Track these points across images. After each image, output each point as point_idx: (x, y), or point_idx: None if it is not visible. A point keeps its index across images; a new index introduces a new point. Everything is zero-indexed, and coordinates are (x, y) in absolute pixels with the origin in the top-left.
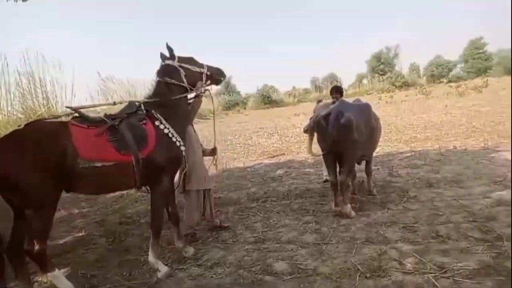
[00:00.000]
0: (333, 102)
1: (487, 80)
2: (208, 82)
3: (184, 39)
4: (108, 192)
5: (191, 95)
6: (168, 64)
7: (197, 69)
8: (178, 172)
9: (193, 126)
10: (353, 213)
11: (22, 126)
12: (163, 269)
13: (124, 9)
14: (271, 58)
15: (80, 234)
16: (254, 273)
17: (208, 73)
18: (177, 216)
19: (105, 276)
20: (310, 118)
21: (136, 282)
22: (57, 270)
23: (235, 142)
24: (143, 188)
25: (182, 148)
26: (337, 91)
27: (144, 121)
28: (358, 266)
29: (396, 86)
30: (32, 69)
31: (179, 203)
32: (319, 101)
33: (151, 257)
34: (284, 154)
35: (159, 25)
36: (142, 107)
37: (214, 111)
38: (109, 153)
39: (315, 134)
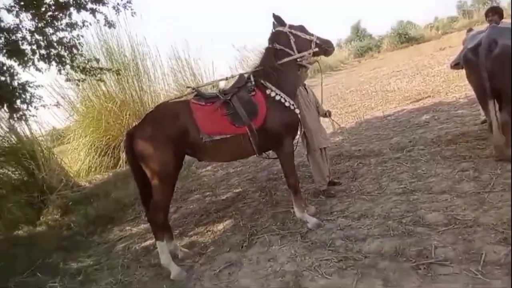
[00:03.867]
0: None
1: None
2: (317, 50)
3: None
4: (231, 160)
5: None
6: (279, 31)
7: (307, 37)
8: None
9: (305, 86)
10: None
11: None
12: (311, 220)
13: None
14: None
15: (237, 191)
16: (405, 224)
17: (318, 41)
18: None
19: (262, 226)
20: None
21: (289, 231)
22: (165, 242)
23: (371, 91)
24: (264, 154)
25: (297, 111)
26: (494, 12)
27: (253, 93)
28: None
29: None
30: (179, 52)
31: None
32: (469, 30)
33: (297, 213)
34: (429, 96)
35: None
36: (252, 78)
37: (322, 77)
38: (225, 126)
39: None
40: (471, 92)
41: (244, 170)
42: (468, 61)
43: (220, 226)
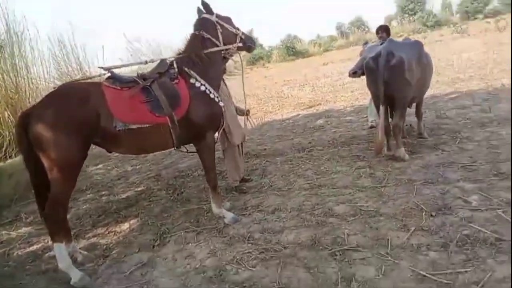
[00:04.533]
0: (381, 43)
1: None
2: (241, 45)
3: None
4: (146, 152)
5: (223, 49)
6: (206, 18)
7: (233, 30)
8: None
9: (224, 81)
10: (407, 156)
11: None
12: (228, 215)
13: None
14: (292, 6)
15: (139, 189)
16: (317, 215)
17: (243, 37)
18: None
19: (173, 224)
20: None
21: (205, 227)
22: (64, 243)
23: (266, 96)
24: (182, 147)
25: (221, 104)
26: (383, 30)
27: (177, 80)
28: (422, 206)
29: (428, 26)
30: (62, 35)
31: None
32: (365, 43)
33: (214, 208)
34: (320, 104)
35: None
36: (175, 65)
37: (243, 77)
38: (144, 115)
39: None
40: (356, 102)
41: (145, 168)
42: (368, 69)
43: (125, 226)
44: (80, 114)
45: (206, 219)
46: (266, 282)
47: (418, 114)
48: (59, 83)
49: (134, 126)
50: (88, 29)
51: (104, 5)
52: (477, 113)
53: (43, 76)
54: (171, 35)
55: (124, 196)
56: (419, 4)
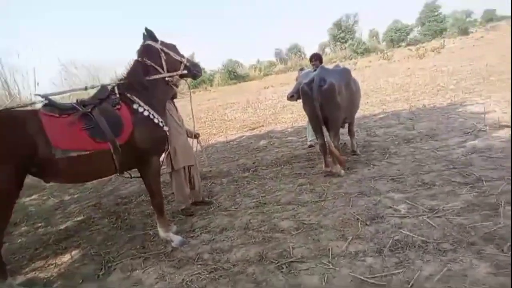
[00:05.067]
0: (314, 69)
1: (444, 41)
2: (185, 72)
3: (140, 18)
4: (88, 180)
5: (166, 76)
6: (150, 45)
7: (178, 58)
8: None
9: (174, 103)
10: (343, 172)
11: None
12: (176, 239)
13: None
14: (232, 31)
15: (79, 218)
16: (263, 232)
17: (188, 64)
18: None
19: (118, 252)
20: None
21: (152, 253)
22: (9, 279)
23: (210, 119)
24: (125, 173)
25: (165, 128)
26: (316, 58)
27: (118, 106)
28: (358, 216)
29: (358, 53)
30: None
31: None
32: (301, 69)
33: (161, 233)
34: (262, 126)
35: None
36: (116, 90)
37: (191, 102)
38: (84, 142)
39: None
40: (295, 123)
41: (84, 197)
42: (304, 94)
43: (65, 258)
44: (15, 143)
45: (152, 244)
46: None
47: (351, 133)
48: None
49: (74, 154)
50: (18, 53)
51: (37, 28)
52: (403, 130)
53: None
54: (109, 60)
55: (62, 227)
56: (349, 33)
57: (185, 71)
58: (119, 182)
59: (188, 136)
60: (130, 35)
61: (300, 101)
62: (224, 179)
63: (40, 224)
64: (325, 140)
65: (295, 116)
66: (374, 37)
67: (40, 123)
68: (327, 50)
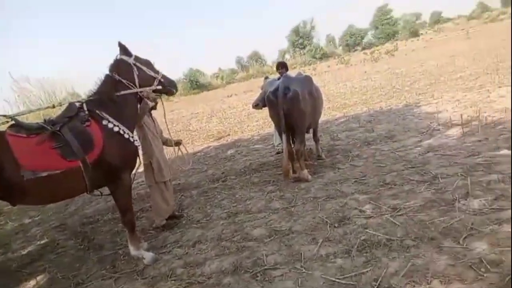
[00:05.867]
0: (278, 78)
1: (396, 44)
2: (159, 87)
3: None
4: (57, 201)
5: (134, 92)
6: (123, 60)
7: (152, 73)
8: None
9: (151, 116)
10: (310, 177)
11: None
12: (148, 256)
13: None
14: (191, 40)
15: (43, 242)
16: (236, 242)
17: (162, 80)
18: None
19: (88, 273)
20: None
21: (123, 272)
22: None
23: (175, 130)
24: (95, 191)
25: (136, 143)
26: (282, 66)
27: (88, 123)
28: (326, 219)
29: (316, 58)
30: None
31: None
32: (266, 78)
33: (132, 251)
34: (228, 135)
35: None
36: (85, 107)
37: (165, 115)
38: (54, 161)
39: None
40: (261, 131)
41: (46, 219)
42: (270, 102)
43: (30, 284)
44: None
45: (123, 263)
46: None
47: (315, 138)
48: None
49: (44, 174)
50: None
51: None
52: (363, 133)
53: None
54: (68, 74)
55: (25, 252)
56: (307, 39)
57: (159, 87)
58: (82, 201)
59: (168, 145)
60: (80, 48)
61: (265, 108)
62: (194, 191)
63: None
64: (291, 146)
65: (260, 123)
66: (331, 42)
67: (6, 144)
68: (287, 56)
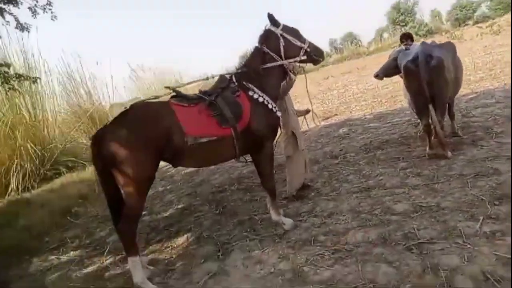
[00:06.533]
0: (406, 49)
1: None
2: (305, 58)
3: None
4: (210, 165)
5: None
6: (271, 31)
7: (298, 43)
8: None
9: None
10: (449, 153)
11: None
12: (287, 222)
13: None
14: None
15: (180, 206)
16: (378, 215)
17: (308, 49)
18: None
19: (230, 235)
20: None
21: (265, 235)
22: (138, 257)
23: None
24: (241, 158)
25: (279, 113)
26: (407, 37)
27: (238, 93)
28: (482, 197)
29: (420, 36)
30: (71, 67)
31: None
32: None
33: (274, 215)
34: (336, 115)
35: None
36: (234, 79)
37: (307, 85)
38: (212, 128)
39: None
40: (374, 110)
41: (176, 187)
42: (409, 71)
43: (180, 241)
44: (153, 132)
45: (262, 227)
46: (350, 279)
47: (451, 113)
48: (71, 115)
49: (204, 140)
50: (94, 60)
51: (108, 37)
52: (503, 109)
53: (53, 109)
54: (173, 62)
55: (166, 214)
56: (409, 15)
57: (304, 57)
58: (206, 173)
59: (298, 115)
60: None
61: (371, 87)
62: (314, 166)
63: (144, 212)
64: (432, 120)
65: (369, 103)
66: (437, 17)
67: (173, 113)
68: (385, 35)
